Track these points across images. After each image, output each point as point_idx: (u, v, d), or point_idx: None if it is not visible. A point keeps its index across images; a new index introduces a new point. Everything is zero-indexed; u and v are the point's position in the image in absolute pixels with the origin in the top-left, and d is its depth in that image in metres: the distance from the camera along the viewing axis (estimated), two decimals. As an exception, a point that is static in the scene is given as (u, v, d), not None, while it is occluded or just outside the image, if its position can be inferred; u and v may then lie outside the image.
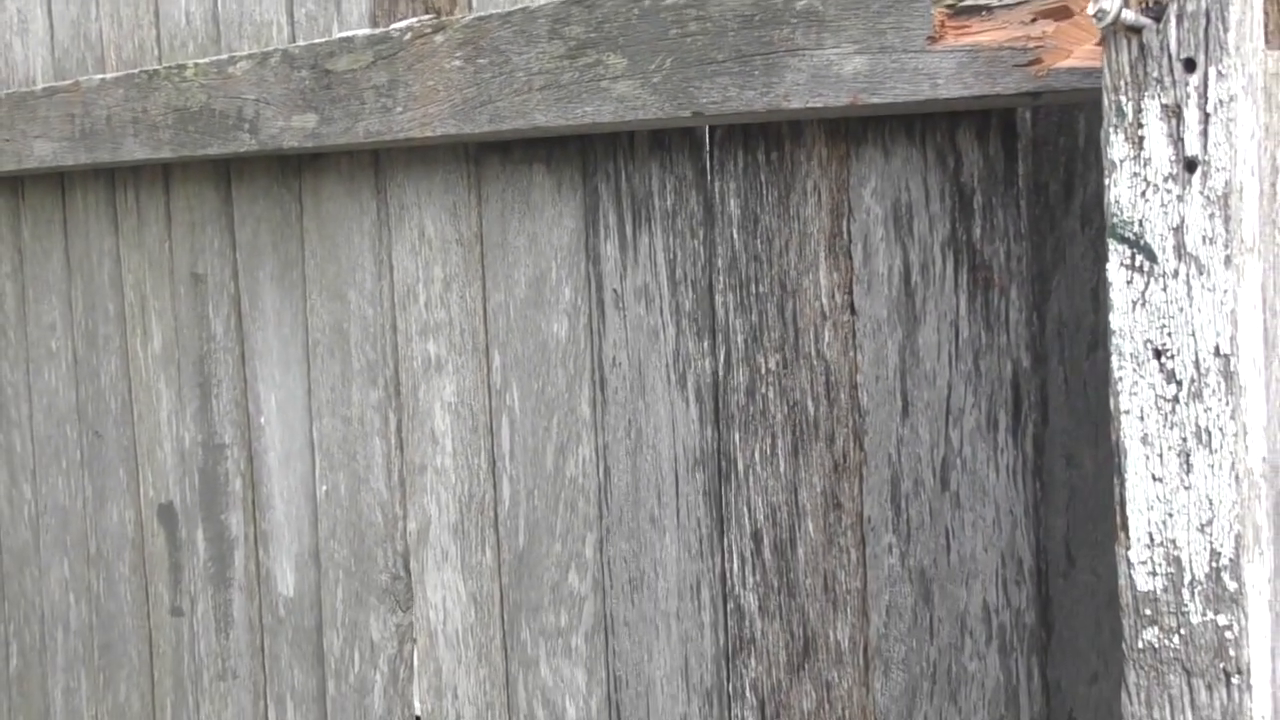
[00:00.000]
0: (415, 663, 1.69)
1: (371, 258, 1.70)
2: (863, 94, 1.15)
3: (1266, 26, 1.00)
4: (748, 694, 1.37)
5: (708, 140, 1.36)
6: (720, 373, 1.37)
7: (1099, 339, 1.15)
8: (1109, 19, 0.89)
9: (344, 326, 1.74)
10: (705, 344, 1.38)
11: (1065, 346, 1.17)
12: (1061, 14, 1.06)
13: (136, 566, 2.08)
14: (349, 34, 1.59)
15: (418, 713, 1.70)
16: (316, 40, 1.66)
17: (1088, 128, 1.15)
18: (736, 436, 1.36)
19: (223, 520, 1.93)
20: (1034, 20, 1.07)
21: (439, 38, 1.47)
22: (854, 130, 1.26)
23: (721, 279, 1.36)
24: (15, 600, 2.32)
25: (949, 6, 1.11)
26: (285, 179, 1.80)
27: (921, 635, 1.25)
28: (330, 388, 1.76)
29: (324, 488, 1.78)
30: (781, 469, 1.33)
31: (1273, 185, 0.93)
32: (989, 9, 1.10)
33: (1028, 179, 1.17)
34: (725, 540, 1.38)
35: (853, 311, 1.27)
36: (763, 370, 1.34)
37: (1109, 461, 1.09)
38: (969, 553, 1.22)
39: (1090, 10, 0.90)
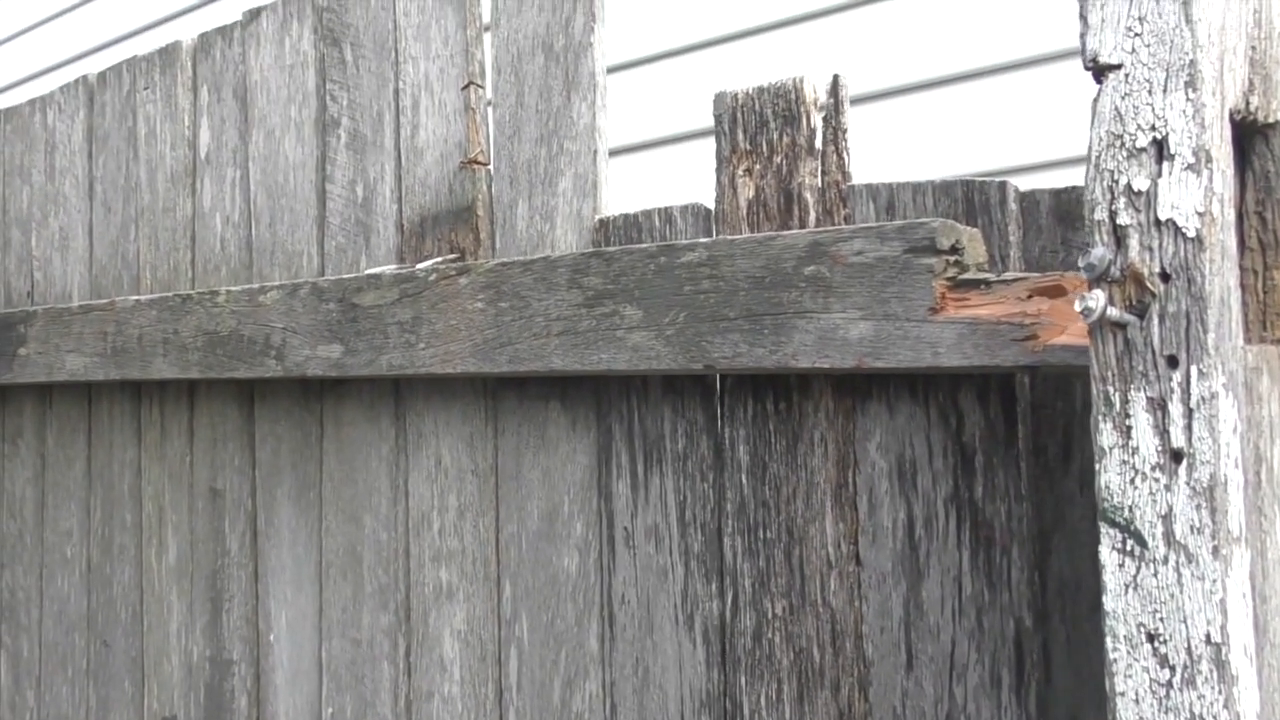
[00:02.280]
0: None
1: (388, 483, 1.74)
2: (867, 358, 1.21)
3: (1246, 319, 1.05)
4: None
5: (719, 387, 1.41)
6: (728, 615, 1.39)
7: (1099, 601, 1.17)
8: (1095, 315, 0.94)
9: (358, 549, 1.76)
10: (713, 586, 1.41)
11: (1067, 606, 1.19)
12: (1055, 292, 1.12)
13: (135, 781, 2.06)
14: (377, 271, 1.67)
15: None
16: (345, 275, 1.74)
17: (1084, 394, 1.19)
18: (743, 680, 1.37)
19: (226, 738, 1.93)
20: (1030, 297, 1.13)
21: (463, 280, 1.54)
22: (860, 386, 1.31)
23: (730, 523, 1.40)
24: (9, 810, 2.29)
25: (949, 279, 1.18)
26: (307, 401, 1.85)
27: None
28: (341, 609, 1.78)
29: (330, 710, 1.78)
30: (787, 715, 1.34)
31: (1257, 475, 0.96)
32: (987, 284, 1.16)
33: (1027, 441, 1.21)
34: (730, 785, 1.38)
35: (858, 562, 1.30)
36: (769, 615, 1.36)
37: (1112, 724, 1.10)
38: (974, 812, 1.21)
39: (1077, 306, 0.95)
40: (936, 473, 1.26)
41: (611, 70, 3.24)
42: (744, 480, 1.39)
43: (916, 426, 1.27)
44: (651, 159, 3.45)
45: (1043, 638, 1.20)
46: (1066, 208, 1.22)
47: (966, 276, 1.17)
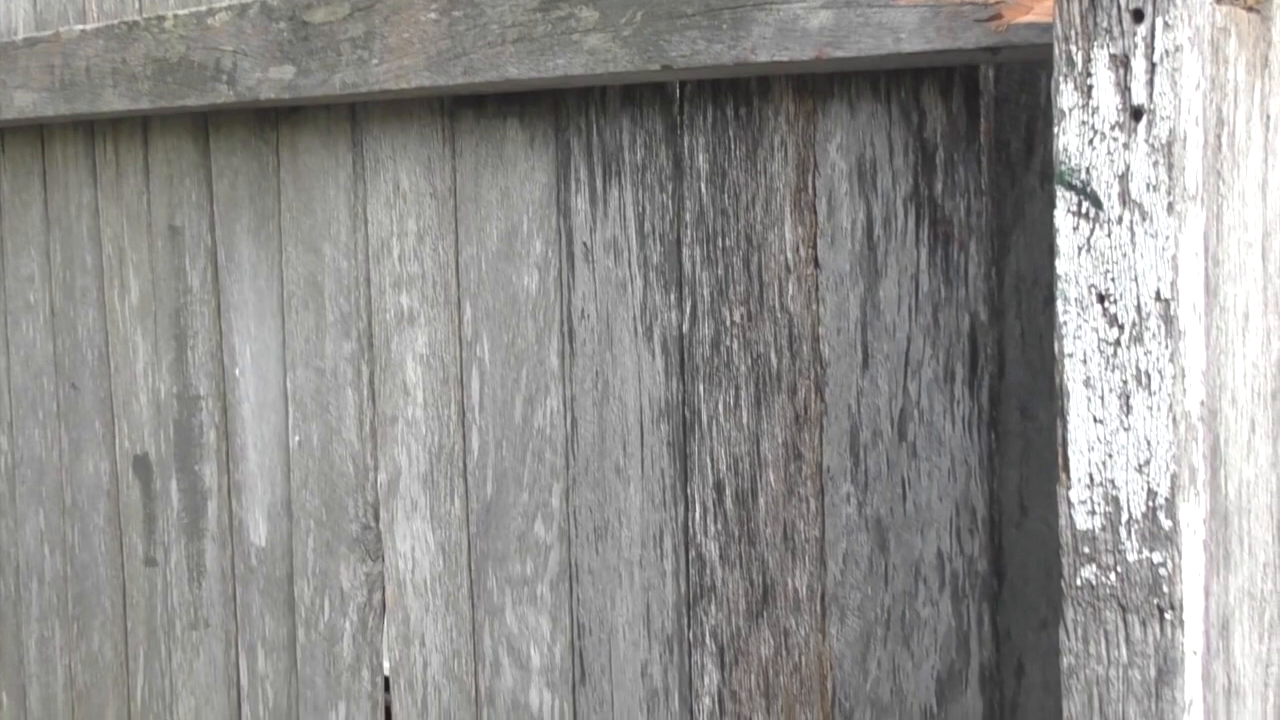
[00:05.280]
0: (384, 611, 1.71)
1: (347, 211, 1.71)
2: (828, 48, 1.17)
3: (1217, -18, 1.02)
4: (707, 640, 1.40)
5: (678, 95, 1.38)
6: (686, 326, 1.39)
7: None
8: (1061, -31, 0.91)
9: (319, 279, 1.75)
10: (672, 297, 1.40)
11: (1023, 301, 1.19)
12: (1022, -30, 1.08)
13: (111, 518, 2.10)
14: (327, -14, 1.60)
15: (386, 668, 1.73)
16: (295, -8, 1.67)
17: (1049, 86, 1.16)
18: (701, 388, 1.39)
19: (196, 471, 1.95)
20: (996, -24, 1.09)
21: (415, -10, 1.48)
22: (820, 86, 1.28)
23: (689, 233, 1.38)
24: (-10, 551, 2.34)
25: (913, -38, 1.13)
26: (263, 132, 1.81)
27: (877, 582, 1.27)
28: (304, 340, 1.78)
29: (296, 439, 1.80)
30: (744, 420, 1.35)
31: (1218, 138, 0.95)
32: (952, -35, 1.11)
33: (989, 136, 1.19)
34: (688, 490, 1.40)
35: (816, 265, 1.30)
36: (728, 323, 1.36)
37: (1061, 413, 1.11)
38: (924, 502, 1.24)
39: (1043, -40, 0.92)
40: (897, 171, 1.24)
41: None
42: (703, 189, 1.37)
43: (878, 125, 1.25)
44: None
45: (998, 332, 1.20)
46: (1039, -109, 1.17)
47: (931, -41, 1.13)
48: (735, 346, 1.35)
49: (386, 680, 1.73)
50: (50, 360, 2.19)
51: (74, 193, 2.12)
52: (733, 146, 1.34)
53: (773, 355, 1.33)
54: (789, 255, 1.31)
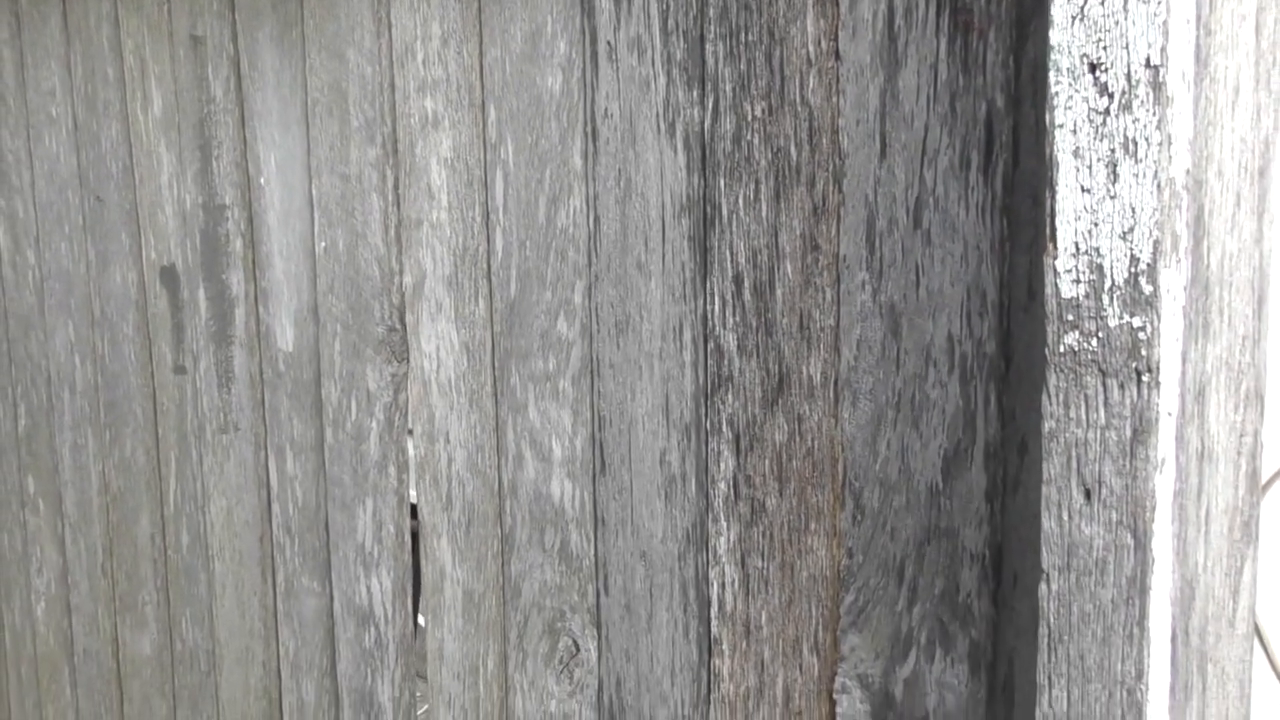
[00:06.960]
0: (409, 410, 1.78)
1: (371, 16, 1.72)
2: None
3: None
4: (724, 428, 1.46)
5: (703, -111, 1.39)
6: (708, 121, 1.42)
7: (1071, 81, 1.20)
8: None
9: (342, 85, 1.77)
10: (695, 93, 1.43)
11: (1038, 90, 1.22)
12: None
13: (140, 327, 2.15)
14: None
15: (411, 465, 1.80)
16: None
17: (1073, -128, 1.18)
18: (722, 183, 1.42)
19: (224, 280, 2.00)
20: None
21: None
22: (846, -124, 1.29)
23: (712, 28, 1.40)
24: (22, 363, 2.40)
25: None
26: (284, -62, 1.81)
27: (889, 367, 1.33)
28: (329, 146, 1.81)
29: (322, 244, 1.84)
30: (763, 213, 1.39)
31: (1229, -97, 0.97)
32: None
33: (1012, -76, 1.21)
34: (708, 283, 1.45)
35: (837, 57, 1.32)
36: (749, 118, 1.39)
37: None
38: (937, 287, 1.29)
39: None
40: (919, -39, 1.26)
41: None
42: (727, -16, 1.38)
43: (902, -85, 1.26)
44: None
45: (1013, 120, 1.23)
46: None
47: None
48: (756, 141, 1.39)
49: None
50: (74, 174, 2.22)
51: (93, 3, 2.12)
52: (757, -60, 1.35)
53: (792, 148, 1.36)
54: (810, 48, 1.33)
